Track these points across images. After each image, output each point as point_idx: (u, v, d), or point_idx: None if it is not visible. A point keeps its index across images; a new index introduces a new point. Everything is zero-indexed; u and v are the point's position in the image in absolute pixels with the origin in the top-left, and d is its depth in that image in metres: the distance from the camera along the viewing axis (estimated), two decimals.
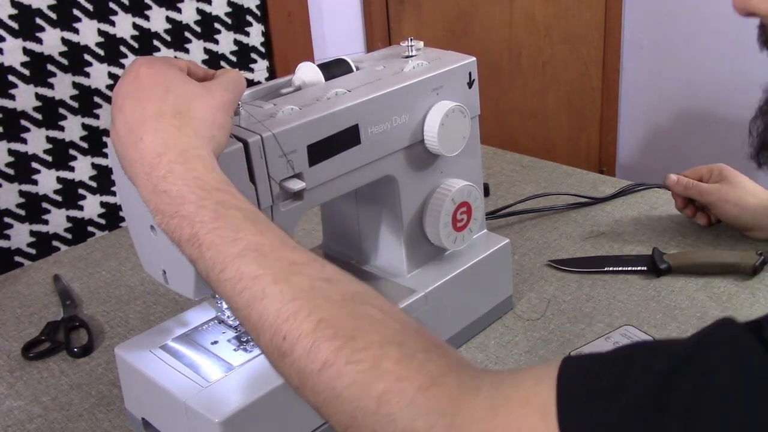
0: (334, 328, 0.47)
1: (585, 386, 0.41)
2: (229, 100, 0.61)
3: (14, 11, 1.12)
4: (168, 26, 1.29)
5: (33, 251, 1.19)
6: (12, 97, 1.14)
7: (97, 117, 1.23)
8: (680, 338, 0.42)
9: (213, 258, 0.51)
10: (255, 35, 1.42)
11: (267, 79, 1.43)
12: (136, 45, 1.25)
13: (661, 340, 0.43)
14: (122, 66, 1.24)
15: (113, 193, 1.27)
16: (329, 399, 0.46)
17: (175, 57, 1.31)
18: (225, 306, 0.77)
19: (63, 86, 1.18)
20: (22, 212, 1.18)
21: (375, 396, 0.45)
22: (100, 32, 1.21)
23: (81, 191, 1.24)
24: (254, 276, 0.50)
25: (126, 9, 1.23)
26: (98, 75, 1.22)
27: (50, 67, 1.16)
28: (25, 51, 1.14)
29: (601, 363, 0.42)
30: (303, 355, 0.47)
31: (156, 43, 1.28)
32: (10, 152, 1.15)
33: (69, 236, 1.23)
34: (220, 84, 0.61)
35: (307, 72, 0.77)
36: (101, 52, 1.21)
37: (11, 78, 1.13)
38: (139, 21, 1.25)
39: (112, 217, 1.27)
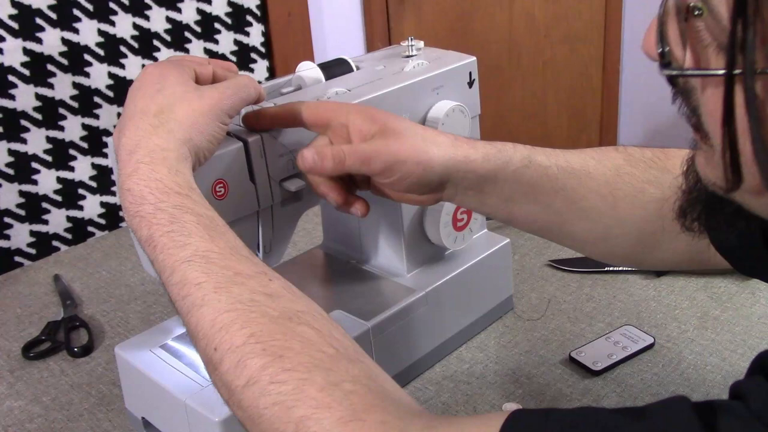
0: (264, 344, 0.47)
1: None
2: (220, 106, 0.59)
3: (14, 11, 1.12)
4: (168, 26, 1.29)
5: (33, 251, 1.19)
6: (12, 97, 1.14)
7: (97, 117, 1.23)
8: (633, 409, 0.41)
9: (164, 261, 0.51)
10: (255, 35, 1.42)
11: (267, 79, 1.43)
12: (136, 45, 1.25)
13: (614, 409, 0.42)
14: (122, 66, 1.24)
15: (113, 193, 1.27)
16: (252, 417, 0.46)
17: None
18: None
19: (63, 86, 1.18)
20: (22, 212, 1.18)
21: (294, 421, 0.44)
22: (100, 32, 1.21)
23: (81, 191, 1.24)
24: (197, 283, 0.50)
25: (126, 9, 1.23)
26: (98, 75, 1.22)
27: (50, 67, 1.17)
28: (25, 51, 1.14)
29: (550, 427, 0.41)
30: (231, 368, 0.47)
31: (156, 43, 1.28)
32: (10, 152, 1.15)
33: (69, 236, 1.23)
34: (218, 88, 0.60)
35: (307, 72, 0.77)
36: (101, 52, 1.22)
37: (11, 78, 1.13)
38: (139, 21, 1.25)
39: (112, 217, 1.27)
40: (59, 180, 1.21)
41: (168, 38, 1.29)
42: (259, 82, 0.70)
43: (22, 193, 1.17)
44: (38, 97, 1.16)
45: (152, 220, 0.52)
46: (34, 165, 1.18)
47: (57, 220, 1.22)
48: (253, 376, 0.46)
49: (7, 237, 1.17)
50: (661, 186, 0.65)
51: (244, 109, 0.66)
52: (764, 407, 0.37)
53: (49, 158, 1.19)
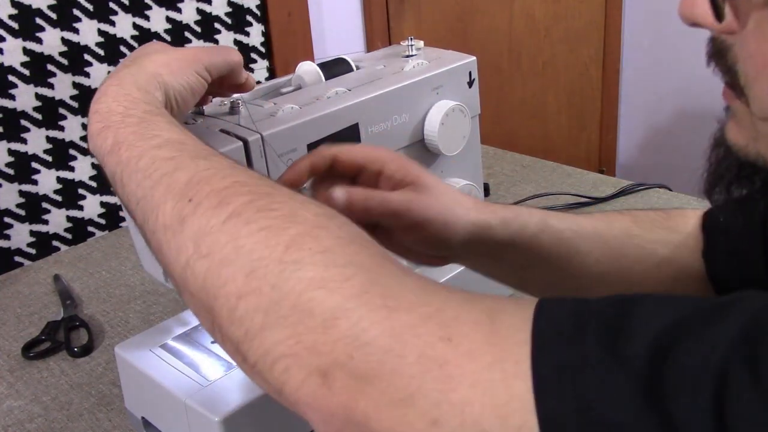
0: (250, 187, 0.42)
1: (570, 320, 0.34)
2: (196, 56, 0.59)
3: (14, 11, 1.12)
4: (168, 26, 1.29)
5: (33, 251, 1.19)
6: (12, 97, 1.14)
7: None
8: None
9: (129, 155, 0.48)
10: (255, 35, 1.42)
11: (267, 79, 1.43)
12: (136, 45, 1.25)
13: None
14: None
15: (113, 193, 1.26)
16: (228, 255, 0.39)
17: None
18: None
19: (63, 86, 1.18)
20: (22, 212, 1.18)
21: (284, 241, 0.38)
22: (100, 32, 1.21)
23: (81, 191, 1.24)
24: (170, 157, 0.46)
25: (126, 9, 1.23)
26: (98, 75, 1.22)
27: (50, 67, 1.17)
28: (25, 51, 1.14)
29: (590, 302, 0.36)
30: (208, 210, 0.41)
31: None
32: (10, 152, 1.15)
33: (69, 236, 1.23)
34: (198, 47, 0.62)
35: (307, 71, 0.77)
36: (101, 52, 1.22)
37: (11, 78, 1.13)
38: (139, 21, 1.25)
39: (112, 217, 1.27)
40: (59, 180, 1.21)
41: (168, 38, 1.29)
42: (258, 83, 0.70)
43: (22, 193, 1.17)
44: (38, 97, 1.16)
45: (119, 126, 0.50)
46: (34, 165, 1.18)
47: (57, 220, 1.22)
48: (237, 209, 0.41)
49: (7, 237, 1.17)
50: (669, 245, 0.66)
51: (232, 107, 0.68)
52: None
53: (49, 158, 1.19)
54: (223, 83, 0.64)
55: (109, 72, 1.22)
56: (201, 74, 0.59)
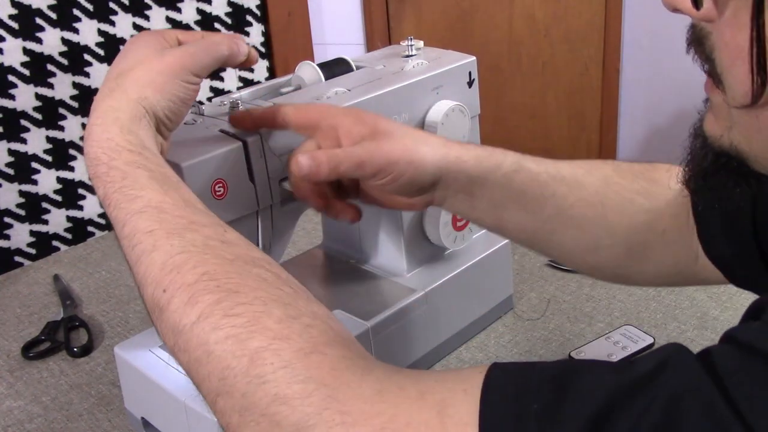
0: (218, 281, 0.44)
1: (514, 407, 0.38)
2: (182, 64, 0.57)
3: (14, 11, 1.12)
4: (168, 26, 1.29)
5: (33, 251, 1.19)
6: (12, 97, 1.14)
7: None
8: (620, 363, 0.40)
9: (117, 216, 0.50)
10: (255, 35, 1.42)
11: (267, 79, 1.43)
12: None
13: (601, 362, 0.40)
14: None
15: None
16: (200, 357, 0.42)
17: None
18: None
19: (63, 86, 1.18)
20: (22, 212, 1.18)
21: (248, 353, 0.41)
22: (100, 32, 1.21)
23: (81, 191, 1.24)
24: (148, 230, 0.48)
25: (126, 9, 1.23)
26: (98, 75, 1.22)
27: (50, 67, 1.17)
28: (25, 51, 1.14)
29: (533, 380, 0.39)
30: (180, 307, 0.44)
31: None
32: (10, 152, 1.15)
33: (69, 236, 1.23)
34: (183, 48, 0.58)
35: (307, 71, 0.77)
36: (101, 52, 1.22)
37: (11, 78, 1.13)
38: (139, 21, 1.25)
39: None
40: (59, 180, 1.21)
41: None
42: (258, 82, 0.69)
43: (22, 193, 1.17)
44: (38, 97, 1.16)
45: (106, 179, 0.51)
46: (34, 165, 1.18)
47: (57, 220, 1.22)
48: (204, 311, 0.43)
49: (7, 237, 1.17)
50: (650, 196, 0.66)
51: (232, 108, 0.67)
52: (756, 338, 0.38)
53: (49, 158, 1.19)
54: (220, 68, 0.64)
55: None
56: (189, 81, 0.58)
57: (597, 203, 0.65)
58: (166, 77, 0.56)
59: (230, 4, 1.36)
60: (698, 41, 0.45)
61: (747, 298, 0.91)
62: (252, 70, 1.43)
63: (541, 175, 0.64)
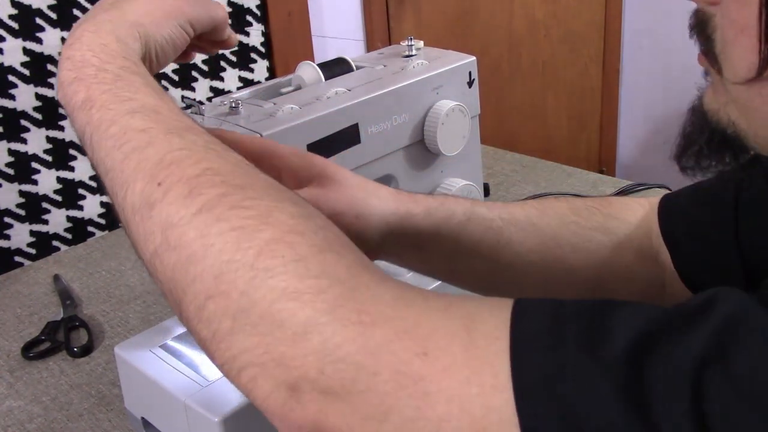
0: (223, 177, 0.40)
1: (547, 321, 0.34)
2: (182, 8, 0.55)
3: (14, 11, 1.12)
4: None
5: (33, 251, 1.19)
6: (12, 97, 1.14)
7: None
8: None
9: (101, 117, 0.45)
10: (255, 35, 1.42)
11: (267, 79, 1.43)
12: None
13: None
14: None
15: None
16: (195, 252, 0.37)
17: (180, 67, 1.31)
18: None
19: None
20: (22, 212, 1.18)
21: (256, 245, 0.36)
22: None
23: (81, 191, 1.24)
24: (142, 129, 0.43)
25: None
26: None
27: (50, 67, 1.17)
28: (25, 51, 1.14)
29: (567, 305, 0.35)
30: (177, 199, 0.39)
31: None
32: (10, 152, 1.15)
33: (69, 236, 1.23)
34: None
35: (307, 71, 0.77)
36: None
37: (11, 78, 1.13)
38: None
39: (112, 217, 1.28)
40: (59, 180, 1.21)
41: None
42: (258, 82, 0.69)
43: (22, 193, 1.17)
44: (38, 97, 1.16)
45: (92, 81, 0.47)
46: (34, 165, 1.18)
47: (57, 220, 1.22)
48: (208, 203, 0.38)
49: (7, 237, 1.17)
50: (608, 232, 0.64)
51: (231, 108, 0.66)
52: None
53: (49, 158, 1.19)
54: (204, 38, 0.60)
55: None
56: (184, 28, 0.55)
57: (555, 246, 0.63)
58: (164, 15, 0.54)
59: (230, 4, 1.36)
60: (701, 25, 0.45)
61: None
62: (252, 70, 1.43)
63: (495, 222, 0.62)
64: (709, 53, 0.45)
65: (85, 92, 0.47)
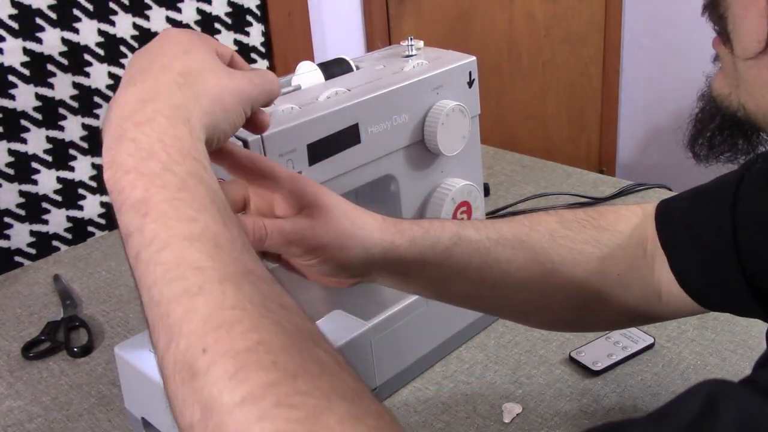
0: (275, 357, 0.36)
1: None
2: (248, 92, 0.51)
3: (14, 11, 1.12)
4: (168, 26, 1.29)
5: (33, 251, 1.19)
6: (12, 97, 1.14)
7: (97, 117, 1.23)
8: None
9: (156, 232, 0.41)
10: (255, 35, 1.42)
11: None
12: (136, 45, 1.25)
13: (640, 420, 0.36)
14: (122, 66, 1.24)
15: None
16: None
17: None
18: None
19: (63, 86, 1.18)
20: (22, 212, 1.18)
21: None
22: (100, 32, 1.21)
23: (81, 191, 1.24)
24: (198, 266, 0.39)
25: (126, 9, 1.23)
26: (98, 75, 1.22)
27: (50, 67, 1.17)
28: (25, 51, 1.14)
29: None
30: (221, 378, 0.35)
31: None
32: (10, 152, 1.15)
33: (69, 236, 1.23)
34: (247, 74, 0.52)
35: (307, 71, 0.77)
36: (101, 52, 1.21)
37: (11, 78, 1.13)
38: (139, 21, 1.25)
39: (112, 217, 1.27)
40: (59, 180, 1.21)
41: None
42: None
43: (22, 193, 1.17)
44: (38, 97, 1.16)
45: (155, 181, 0.42)
46: (34, 165, 1.18)
47: (57, 220, 1.22)
48: (254, 392, 0.35)
49: (7, 237, 1.17)
50: (600, 244, 0.64)
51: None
52: None
53: (49, 158, 1.19)
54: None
55: (109, 73, 1.22)
56: (246, 111, 0.52)
57: (545, 261, 0.63)
58: (233, 99, 0.50)
59: (230, 4, 1.36)
60: (713, 4, 0.46)
61: None
62: None
63: (482, 242, 0.62)
64: (721, 33, 0.45)
65: (142, 191, 0.42)
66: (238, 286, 0.39)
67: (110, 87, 1.23)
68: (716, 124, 0.49)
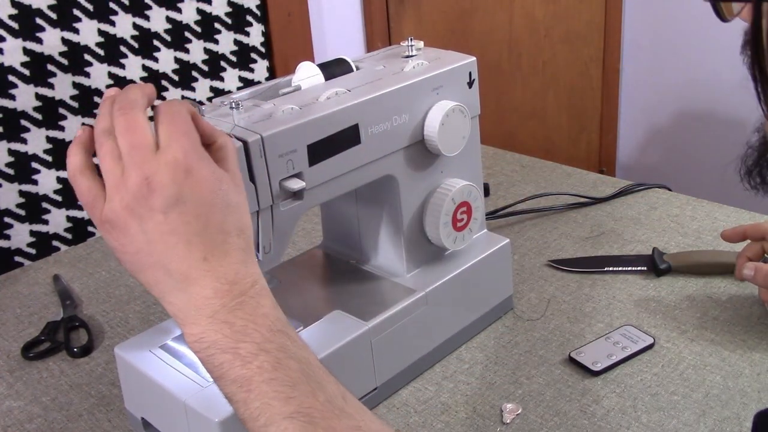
0: None
1: None
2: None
3: (14, 11, 1.12)
4: (168, 26, 1.29)
5: (33, 251, 1.19)
6: (12, 97, 1.14)
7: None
8: None
9: (260, 409, 0.48)
10: (255, 35, 1.42)
11: (267, 79, 1.43)
12: (136, 45, 1.25)
13: None
14: (122, 66, 1.24)
15: None
16: None
17: (181, 67, 1.31)
18: None
19: (63, 86, 1.18)
20: (22, 212, 1.18)
21: None
22: (100, 32, 1.21)
23: None
24: None
25: (126, 9, 1.23)
26: (98, 75, 1.22)
27: (50, 67, 1.17)
28: (25, 51, 1.14)
29: None
30: None
31: (156, 43, 1.28)
32: (10, 152, 1.15)
33: (69, 236, 1.23)
34: (235, 166, 0.55)
35: (307, 72, 0.77)
36: (101, 52, 1.22)
37: (11, 78, 1.13)
38: (139, 21, 1.25)
39: None
40: (59, 180, 1.21)
41: (168, 38, 1.29)
42: (258, 82, 0.69)
43: (22, 193, 1.17)
44: (38, 97, 1.16)
45: (253, 362, 0.48)
46: (34, 165, 1.18)
47: (57, 220, 1.22)
48: None
49: (7, 237, 1.17)
50: None
51: (231, 108, 0.65)
52: None
53: (49, 158, 1.19)
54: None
55: (109, 73, 1.22)
56: None
57: None
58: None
59: (230, 4, 1.36)
60: (756, 41, 0.44)
61: (746, 297, 0.91)
62: (252, 71, 1.43)
63: None
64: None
65: (242, 371, 0.48)
66: None
67: (110, 87, 1.23)
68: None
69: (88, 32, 1.20)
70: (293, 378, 0.49)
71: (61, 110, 1.19)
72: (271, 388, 0.48)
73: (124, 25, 1.24)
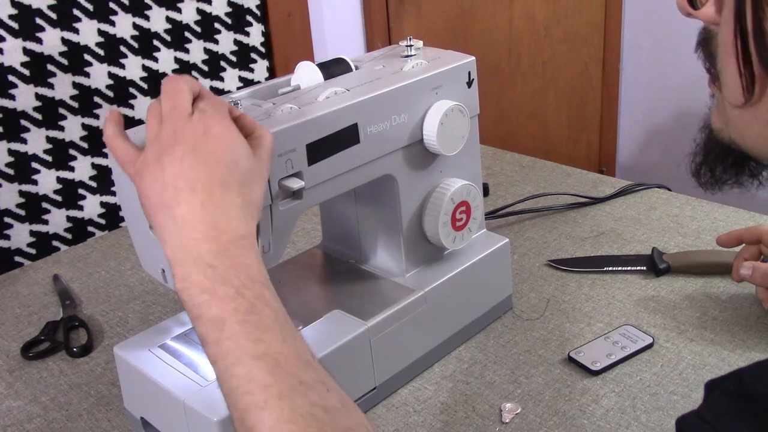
0: None
1: None
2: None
3: (14, 11, 1.12)
4: (168, 26, 1.29)
5: (33, 251, 1.19)
6: (12, 97, 1.14)
7: (97, 117, 1.23)
8: None
9: (230, 348, 0.50)
10: (255, 35, 1.42)
11: (267, 79, 1.43)
12: (136, 45, 1.25)
13: None
14: (122, 66, 1.24)
15: (113, 193, 1.27)
16: None
17: (181, 67, 1.31)
18: None
19: (63, 86, 1.18)
20: (22, 212, 1.18)
21: None
22: (100, 32, 1.21)
23: (81, 191, 1.24)
24: (263, 384, 0.49)
25: (126, 9, 1.23)
26: (98, 75, 1.22)
27: (50, 67, 1.17)
28: (25, 51, 1.14)
29: None
30: None
31: (156, 43, 1.28)
32: (10, 152, 1.15)
33: (69, 236, 1.23)
34: (267, 155, 0.60)
35: (307, 71, 0.77)
36: (101, 52, 1.22)
37: (11, 78, 1.13)
38: (139, 21, 1.25)
39: (112, 217, 1.27)
40: (59, 180, 1.21)
41: (168, 38, 1.29)
42: (258, 82, 0.69)
43: (22, 193, 1.17)
44: (38, 97, 1.16)
45: (229, 304, 0.51)
46: (34, 165, 1.18)
47: (57, 220, 1.22)
48: None
49: (7, 237, 1.17)
50: None
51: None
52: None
53: (49, 158, 1.19)
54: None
55: (109, 73, 1.22)
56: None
57: None
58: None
59: (230, 4, 1.36)
60: (705, 42, 0.47)
61: (746, 297, 0.92)
62: (252, 70, 1.43)
63: None
64: (711, 71, 0.47)
65: (218, 311, 0.51)
66: (291, 400, 0.49)
67: (110, 87, 1.23)
68: (717, 155, 0.52)
69: (88, 32, 1.20)
70: (266, 324, 0.51)
71: (61, 110, 1.19)
72: (243, 329, 0.50)
73: (124, 25, 1.24)
